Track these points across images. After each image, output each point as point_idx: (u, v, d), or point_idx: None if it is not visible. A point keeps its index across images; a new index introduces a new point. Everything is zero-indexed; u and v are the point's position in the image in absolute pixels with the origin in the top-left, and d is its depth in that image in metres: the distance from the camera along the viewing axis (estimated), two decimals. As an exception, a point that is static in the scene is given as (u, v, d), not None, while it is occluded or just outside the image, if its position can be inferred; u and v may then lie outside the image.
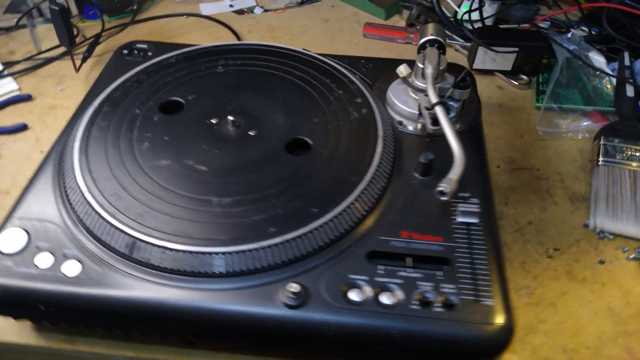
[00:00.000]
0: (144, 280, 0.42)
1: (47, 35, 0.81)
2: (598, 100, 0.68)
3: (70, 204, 0.46)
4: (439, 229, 0.45)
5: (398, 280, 0.42)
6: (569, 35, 0.73)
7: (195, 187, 0.46)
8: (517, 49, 0.71)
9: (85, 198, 0.45)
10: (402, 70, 0.57)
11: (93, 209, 0.44)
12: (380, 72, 0.61)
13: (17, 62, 0.75)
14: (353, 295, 0.41)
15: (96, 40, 0.72)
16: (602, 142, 0.61)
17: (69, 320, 0.44)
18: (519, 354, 0.47)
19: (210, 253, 0.42)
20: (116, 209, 0.44)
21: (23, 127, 0.66)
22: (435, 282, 0.42)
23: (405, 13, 0.84)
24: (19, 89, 0.71)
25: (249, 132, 0.52)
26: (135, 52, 0.64)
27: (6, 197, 0.59)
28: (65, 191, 0.47)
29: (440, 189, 0.43)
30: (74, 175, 0.47)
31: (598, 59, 0.71)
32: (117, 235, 0.43)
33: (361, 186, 0.46)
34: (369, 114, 0.54)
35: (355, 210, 0.45)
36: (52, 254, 0.43)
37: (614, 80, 0.68)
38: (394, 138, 0.52)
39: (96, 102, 0.54)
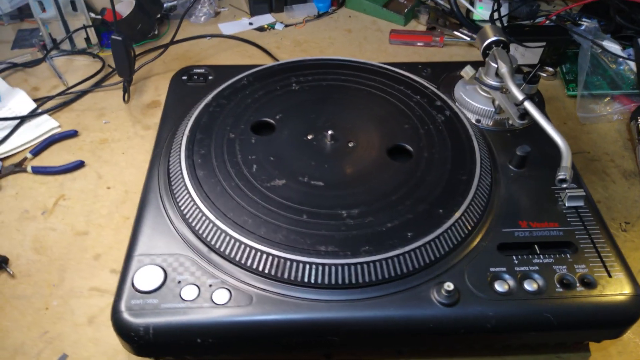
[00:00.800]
0: (296, 299, 0.42)
1: (68, 68, 0.78)
2: (622, 84, 0.74)
3: (200, 234, 0.45)
4: (552, 215, 0.49)
5: (534, 267, 0.45)
6: (583, 27, 0.79)
7: (320, 202, 0.47)
8: (544, 43, 0.76)
9: (219, 227, 0.45)
10: (469, 71, 0.60)
11: (232, 237, 0.44)
12: (439, 75, 0.64)
13: (50, 98, 0.71)
14: (499, 287, 0.43)
15: (132, 69, 0.70)
16: (639, 122, 0.67)
17: (222, 349, 0.43)
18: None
19: (360, 264, 0.43)
20: (254, 233, 0.44)
21: (80, 165, 0.63)
22: (567, 264, 0.45)
23: (423, 18, 0.88)
24: (60, 126, 0.68)
25: (349, 144, 0.53)
26: (195, 77, 0.63)
27: (86, 237, 0.56)
28: (188, 222, 0.46)
29: (561, 176, 0.47)
30: (197, 206, 0.46)
31: (614, 47, 0.77)
32: (260, 257, 0.43)
33: (474, 183, 0.49)
34: (453, 115, 0.56)
35: (476, 206, 0.48)
36: (195, 285, 0.43)
37: (633, 65, 0.75)
38: (482, 135, 0.55)
39: (186, 130, 0.53)
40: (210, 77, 0.63)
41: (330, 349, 0.45)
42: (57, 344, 0.48)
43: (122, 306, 0.41)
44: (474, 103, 0.58)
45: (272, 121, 0.55)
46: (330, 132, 0.53)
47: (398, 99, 0.58)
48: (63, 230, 0.57)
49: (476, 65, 0.60)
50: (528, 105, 0.53)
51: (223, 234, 0.44)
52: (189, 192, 0.47)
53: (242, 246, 0.44)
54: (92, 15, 0.78)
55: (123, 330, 0.41)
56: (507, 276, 0.44)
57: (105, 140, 0.67)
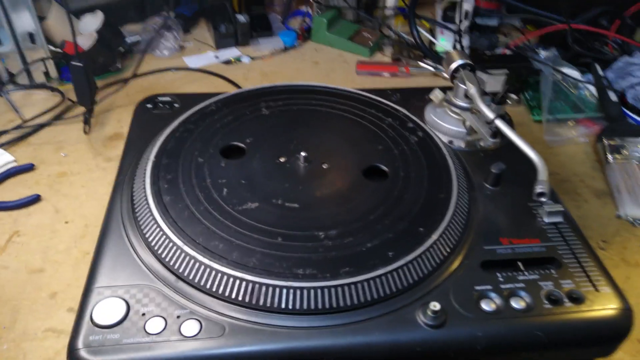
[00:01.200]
0: (273, 327, 0.39)
1: (26, 102, 0.74)
2: (585, 108, 0.76)
3: (167, 262, 0.42)
4: (533, 232, 0.48)
5: (520, 285, 0.43)
6: (542, 56, 0.82)
7: (296, 224, 0.45)
8: (506, 70, 0.78)
9: (187, 253, 0.41)
10: (438, 94, 0.60)
11: (201, 262, 0.41)
12: (408, 100, 0.64)
13: (5, 132, 0.67)
14: (485, 306, 0.41)
15: (92, 99, 0.68)
16: (605, 142, 0.69)
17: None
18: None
19: (340, 286, 0.40)
20: (226, 258, 0.41)
21: (36, 199, 0.59)
22: (553, 280, 0.44)
23: (387, 50, 0.89)
24: (15, 160, 0.64)
25: (322, 166, 0.51)
26: (161, 104, 0.61)
27: (42, 275, 0.52)
28: (154, 250, 0.43)
29: (539, 190, 0.46)
30: (163, 231, 0.43)
31: (573, 73, 0.79)
32: (232, 283, 0.40)
33: (453, 200, 0.48)
34: (426, 136, 0.55)
35: (456, 224, 0.46)
36: (162, 317, 0.39)
37: (593, 89, 0.77)
38: (456, 156, 0.55)
39: (151, 156, 0.50)
40: (176, 105, 0.61)
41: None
42: (5, 393, 0.43)
43: (79, 343, 0.37)
44: (445, 125, 0.58)
45: (242, 145, 0.53)
46: (303, 153, 0.51)
47: (370, 122, 0.57)
48: (17, 269, 0.52)
49: (444, 90, 0.60)
50: (499, 123, 0.53)
51: (192, 260, 0.41)
52: (153, 218, 0.44)
53: (213, 272, 0.41)
54: (52, 48, 0.76)
55: (80, 370, 0.37)
56: (493, 294, 0.42)
57: (64, 174, 0.63)
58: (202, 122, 0.55)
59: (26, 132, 0.68)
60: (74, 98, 0.67)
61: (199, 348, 0.38)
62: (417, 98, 0.64)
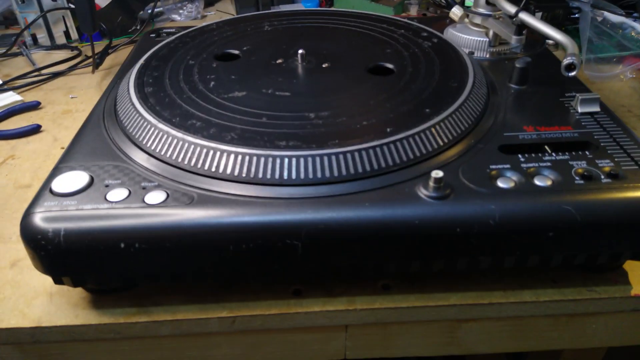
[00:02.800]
0: (250, 197, 0.34)
1: (45, 60, 0.75)
2: (631, 46, 0.68)
3: (139, 142, 0.38)
4: (565, 121, 0.41)
5: (546, 164, 0.36)
6: (581, -1, 0.75)
7: (284, 107, 0.40)
8: (541, 13, 0.71)
9: (161, 129, 0.38)
10: (457, 12, 0.55)
11: (174, 137, 0.37)
12: (426, 23, 0.59)
13: (19, 77, 0.67)
14: (502, 184, 0.35)
15: (107, 46, 0.67)
16: (657, 72, 0.60)
17: (152, 261, 0.34)
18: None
19: (327, 155, 0.35)
20: (201, 134, 0.37)
21: (36, 129, 0.57)
22: (587, 160, 0.36)
23: (413, 9, 0.85)
24: (23, 100, 0.64)
25: (322, 65, 0.47)
26: (164, 34, 0.59)
27: (28, 190, 0.49)
28: (128, 132, 0.39)
29: (568, 61, 0.40)
30: (140, 114, 0.39)
31: (615, 16, 0.72)
32: (210, 155, 0.35)
33: (467, 89, 0.42)
34: (441, 41, 0.50)
35: (469, 110, 0.40)
36: (126, 188, 0.35)
37: (639, 27, 0.69)
38: (476, 62, 0.49)
39: (142, 60, 0.48)
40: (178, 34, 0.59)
41: (291, 261, 0.35)
42: (-31, 288, 0.39)
43: (34, 209, 0.34)
44: (466, 36, 0.53)
45: (237, 52, 0.49)
46: (301, 51, 0.47)
47: (380, 32, 0.53)
48: (4, 184, 0.50)
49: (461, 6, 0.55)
50: (523, 15, 0.47)
51: (164, 135, 0.37)
52: (132, 103, 0.41)
53: (185, 145, 0.36)
54: (72, 6, 0.77)
55: (29, 235, 0.33)
56: (511, 173, 0.35)
57: (69, 111, 0.62)
58: (200, 36, 0.53)
59: (40, 79, 0.68)
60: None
61: (163, 215, 0.33)
62: (435, 24, 0.59)
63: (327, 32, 0.53)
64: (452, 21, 0.57)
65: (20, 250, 0.42)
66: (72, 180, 0.35)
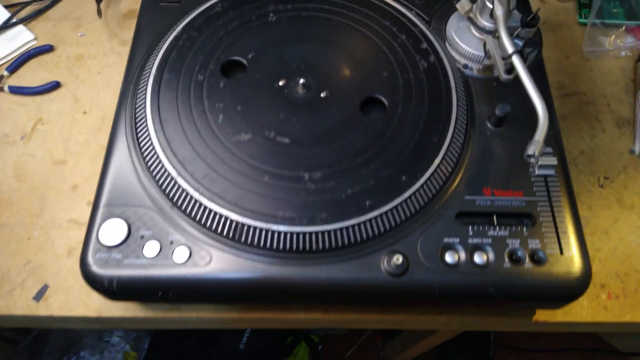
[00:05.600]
0: (253, 261, 0.44)
1: (42, -35, 0.72)
2: (641, 14, 0.67)
3: (163, 190, 0.46)
4: (519, 183, 0.48)
5: (488, 240, 0.46)
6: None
7: (283, 162, 0.47)
8: (562, -41, 0.67)
9: (179, 184, 0.45)
10: (464, 5, 0.54)
11: (190, 195, 0.45)
12: (435, 2, 0.59)
13: (23, 5, 0.67)
14: (449, 258, 0.45)
15: (107, -28, 0.65)
16: (648, 63, 0.62)
17: (183, 300, 0.47)
18: (580, 281, 0.53)
19: (315, 232, 0.44)
20: (213, 193, 0.45)
21: (56, 85, 0.62)
22: (521, 238, 0.46)
23: None
24: (35, 39, 0.66)
25: (321, 94, 0.51)
26: (168, -4, 0.59)
27: (64, 167, 0.57)
28: (153, 175, 0.47)
29: (529, 153, 0.45)
30: (160, 160, 0.46)
31: (643, -34, 0.68)
32: (219, 219, 0.44)
33: (444, 147, 0.48)
34: (437, 62, 0.53)
35: (441, 172, 0.47)
36: (158, 241, 0.45)
37: (659, -10, 0.67)
38: (464, 87, 0.52)
39: (153, 69, 0.51)
40: (184, -3, 0.59)
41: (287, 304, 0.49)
42: (40, 273, 0.52)
43: (89, 259, 0.44)
44: (464, 46, 0.54)
45: (243, 61, 0.52)
46: (302, 80, 0.50)
47: (382, 39, 0.54)
48: (42, 157, 0.58)
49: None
50: (516, 60, 0.49)
51: (184, 192, 0.45)
52: (152, 144, 0.47)
53: (202, 207, 0.45)
54: None
55: (90, 280, 0.44)
56: (459, 247, 0.45)
57: (82, 57, 0.65)
58: (206, 27, 0.54)
59: (45, 5, 0.68)
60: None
61: (188, 273, 0.44)
62: (444, 3, 0.59)
63: (330, 31, 0.54)
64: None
65: (72, 237, 0.54)
66: (114, 230, 0.45)
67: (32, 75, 0.63)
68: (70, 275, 0.52)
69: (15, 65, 0.63)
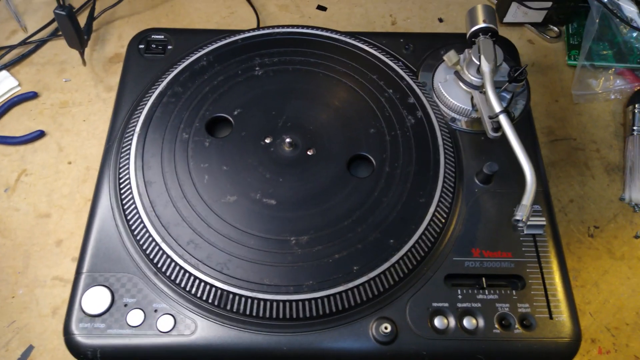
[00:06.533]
0: (238, 330, 0.44)
1: (27, 8, 0.71)
2: (629, 56, 0.67)
3: (147, 255, 0.45)
4: (507, 243, 0.48)
5: (477, 305, 0.45)
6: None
7: (270, 226, 0.46)
8: (551, 2, 0.67)
9: (163, 250, 0.45)
10: (452, 57, 0.54)
11: (174, 261, 0.44)
12: (422, 52, 0.58)
13: (8, 50, 0.66)
14: (438, 323, 0.44)
15: (91, 18, 0.64)
16: (636, 109, 0.62)
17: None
18: (571, 336, 0.53)
19: (301, 301, 0.43)
20: (198, 259, 0.44)
21: (40, 135, 0.61)
22: (511, 302, 0.45)
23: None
24: (19, 85, 0.65)
25: (308, 152, 0.50)
26: (153, 45, 0.58)
27: (48, 220, 0.57)
28: (137, 239, 0.46)
29: (517, 217, 0.45)
30: (144, 224, 0.46)
31: (630, 9, 0.68)
32: (204, 287, 0.44)
33: (432, 208, 0.47)
34: (424, 117, 0.52)
35: (429, 234, 0.47)
36: (141, 310, 0.44)
37: (646, 33, 0.67)
38: (451, 142, 0.52)
39: (137, 127, 0.50)
40: (169, 47, 0.58)
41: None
42: (24, 334, 0.51)
43: (73, 328, 0.43)
44: (451, 99, 0.54)
45: (229, 118, 0.52)
46: (288, 139, 0.50)
47: (369, 94, 0.53)
48: (26, 211, 0.57)
49: (464, 45, 0.54)
50: (503, 119, 0.49)
51: (168, 259, 0.44)
52: (137, 211, 0.46)
53: (187, 274, 0.44)
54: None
55: (74, 350, 0.43)
56: (448, 312, 0.45)
57: (66, 103, 0.64)
58: (191, 83, 0.53)
59: (29, 49, 0.67)
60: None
61: (173, 342, 0.43)
62: (433, 50, 0.58)
63: (317, 87, 0.54)
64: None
65: (56, 295, 0.53)
66: (97, 298, 0.44)
67: (15, 123, 0.62)
68: (55, 335, 0.51)
69: (0, 113, 0.62)
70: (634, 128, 0.62)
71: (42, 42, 0.68)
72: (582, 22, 0.70)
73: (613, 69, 0.67)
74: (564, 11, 0.69)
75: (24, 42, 0.67)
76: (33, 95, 0.64)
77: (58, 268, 0.54)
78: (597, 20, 0.65)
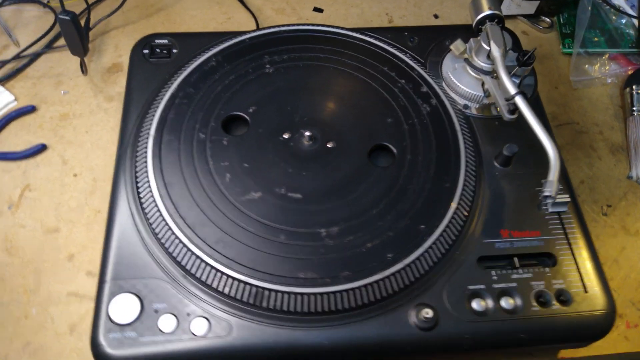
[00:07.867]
0: (276, 327, 0.42)
1: (18, 22, 0.69)
2: (621, 42, 0.69)
3: (174, 258, 0.44)
4: (534, 223, 0.48)
5: (513, 284, 0.45)
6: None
7: (298, 220, 0.45)
8: (542, -8, 0.69)
9: (192, 251, 0.43)
10: (459, 46, 0.55)
11: (204, 262, 0.43)
12: (427, 44, 0.59)
13: (1, 65, 0.64)
14: (476, 305, 0.44)
15: (87, 28, 0.63)
16: (633, 90, 0.64)
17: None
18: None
19: (339, 291, 0.42)
20: (228, 258, 0.43)
21: (42, 148, 0.59)
22: (545, 279, 0.45)
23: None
24: (16, 100, 0.62)
25: (327, 145, 0.50)
26: (158, 50, 0.57)
27: (58, 235, 0.54)
28: (162, 243, 0.44)
29: (546, 194, 0.45)
30: (169, 227, 0.44)
31: (617, -5, 0.71)
32: (237, 286, 0.42)
33: (458, 191, 0.47)
34: (439, 104, 0.53)
35: (459, 217, 0.46)
36: (173, 314, 0.42)
37: (635, 21, 0.69)
38: (468, 128, 0.52)
39: (152, 130, 0.49)
40: (174, 51, 0.57)
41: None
42: (41, 355, 0.48)
43: (101, 340, 0.41)
44: (461, 86, 0.54)
45: (245, 116, 0.51)
46: (307, 133, 0.49)
47: (382, 85, 0.54)
48: (33, 227, 0.55)
49: (467, 35, 0.55)
50: (519, 101, 0.49)
51: (197, 260, 0.43)
52: (159, 209, 0.45)
53: (218, 273, 0.43)
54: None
55: (104, 363, 0.41)
56: (485, 293, 0.44)
57: (67, 116, 0.62)
58: (202, 83, 0.52)
59: (23, 63, 0.65)
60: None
61: (209, 345, 0.41)
62: (438, 42, 0.59)
63: (329, 80, 0.54)
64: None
65: (73, 312, 0.50)
66: (125, 306, 0.42)
67: (14, 138, 0.60)
68: (74, 354, 0.48)
69: (-3, 129, 0.60)
70: (634, 109, 0.63)
71: (36, 56, 0.66)
72: (572, 12, 0.72)
73: (607, 55, 0.69)
74: (554, 2, 0.71)
75: (17, 56, 0.65)
76: (31, 109, 0.62)
77: (72, 283, 0.52)
78: (590, 8, 0.68)
